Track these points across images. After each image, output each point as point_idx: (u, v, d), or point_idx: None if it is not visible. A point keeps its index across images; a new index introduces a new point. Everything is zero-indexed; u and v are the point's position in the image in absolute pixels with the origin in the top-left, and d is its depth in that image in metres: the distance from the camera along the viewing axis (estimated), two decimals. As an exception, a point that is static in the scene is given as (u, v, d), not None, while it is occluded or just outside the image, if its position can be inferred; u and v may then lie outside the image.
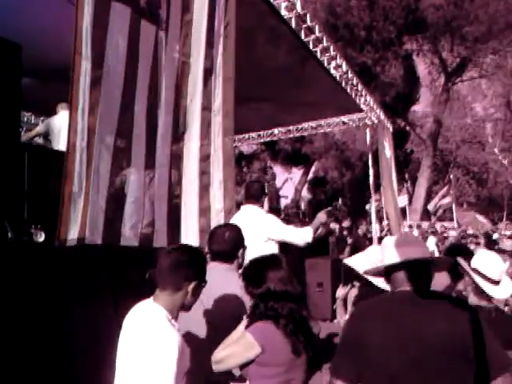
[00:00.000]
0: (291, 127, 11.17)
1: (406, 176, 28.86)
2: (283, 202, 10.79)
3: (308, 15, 5.94)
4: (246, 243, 2.77)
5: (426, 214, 22.45)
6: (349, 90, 8.10)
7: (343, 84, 7.76)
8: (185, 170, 3.68)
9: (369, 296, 2.92)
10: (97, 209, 3.01)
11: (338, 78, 7.47)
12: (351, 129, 14.06)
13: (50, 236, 3.34)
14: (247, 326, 2.08)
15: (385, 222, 11.10)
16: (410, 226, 17.89)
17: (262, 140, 12.24)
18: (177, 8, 3.65)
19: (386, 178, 10.06)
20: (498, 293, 2.49)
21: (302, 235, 4.06)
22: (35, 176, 3.60)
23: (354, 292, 3.53)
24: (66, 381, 3.11)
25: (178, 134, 3.67)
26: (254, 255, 2.70)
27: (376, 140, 10.72)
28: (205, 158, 3.75)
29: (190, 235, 3.63)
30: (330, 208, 4.31)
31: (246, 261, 2.73)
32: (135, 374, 1.83)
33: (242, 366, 2.07)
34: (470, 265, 2.62)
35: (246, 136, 11.55)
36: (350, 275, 3.20)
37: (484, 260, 2.59)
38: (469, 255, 2.83)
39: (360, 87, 8.44)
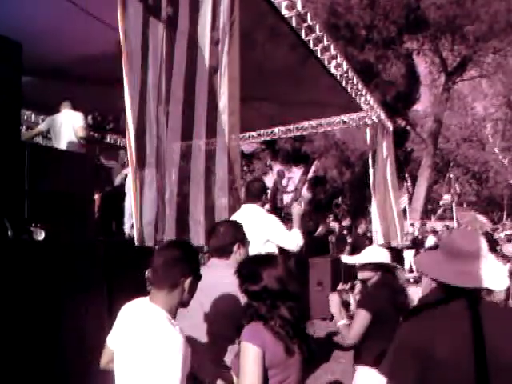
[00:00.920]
0: (291, 126, 11.18)
1: (406, 175, 28.85)
2: (285, 199, 10.80)
3: (308, 14, 5.94)
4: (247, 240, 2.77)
5: (425, 214, 22.45)
6: (349, 90, 8.10)
7: (343, 83, 7.76)
8: (192, 168, 3.70)
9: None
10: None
11: (338, 77, 7.47)
12: (351, 128, 14.04)
13: (50, 234, 3.35)
14: (240, 331, 2.00)
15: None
16: (412, 225, 17.92)
17: (262, 139, 12.25)
18: (185, 5, 3.67)
19: (379, 178, 10.09)
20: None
21: (295, 240, 4.02)
22: (35, 174, 3.60)
23: (356, 290, 3.54)
24: (62, 377, 3.12)
25: (186, 132, 3.70)
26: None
27: (376, 139, 10.73)
28: (211, 156, 3.76)
29: (196, 234, 3.64)
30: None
31: None
32: (140, 378, 1.81)
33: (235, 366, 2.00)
34: None
35: (247, 135, 11.54)
36: (350, 274, 3.23)
37: None
38: None
39: (360, 86, 8.44)
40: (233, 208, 3.78)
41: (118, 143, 10.77)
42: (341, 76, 7.56)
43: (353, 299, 3.39)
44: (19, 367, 2.84)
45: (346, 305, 3.25)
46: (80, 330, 3.24)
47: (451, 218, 21.43)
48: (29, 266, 3.02)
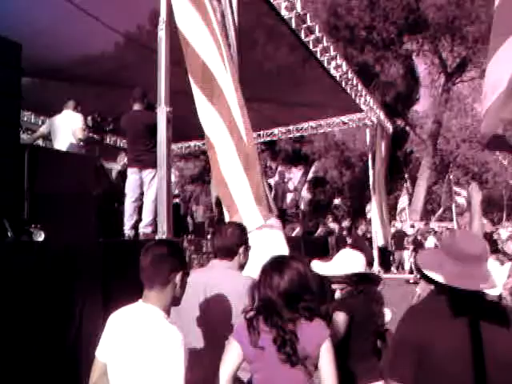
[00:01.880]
0: (291, 127, 11.19)
1: (406, 176, 28.85)
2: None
3: (308, 15, 5.94)
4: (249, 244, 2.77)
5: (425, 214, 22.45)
6: (349, 90, 8.10)
7: (343, 84, 7.77)
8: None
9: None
10: None
11: (337, 78, 7.47)
12: (351, 129, 14.06)
13: (50, 235, 3.35)
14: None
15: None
16: (412, 226, 17.90)
17: (262, 140, 12.25)
18: None
19: (378, 179, 10.11)
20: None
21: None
22: (35, 175, 3.60)
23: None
24: (60, 378, 3.12)
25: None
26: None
27: (376, 140, 10.75)
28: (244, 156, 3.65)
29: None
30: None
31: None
32: (144, 380, 1.81)
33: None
34: None
35: (246, 136, 11.52)
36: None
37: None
38: None
39: (360, 87, 8.45)
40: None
41: (118, 144, 10.77)
42: (340, 77, 7.56)
43: None
44: (18, 367, 2.84)
45: None
46: (78, 331, 3.24)
47: (451, 219, 21.41)
48: (28, 267, 3.02)
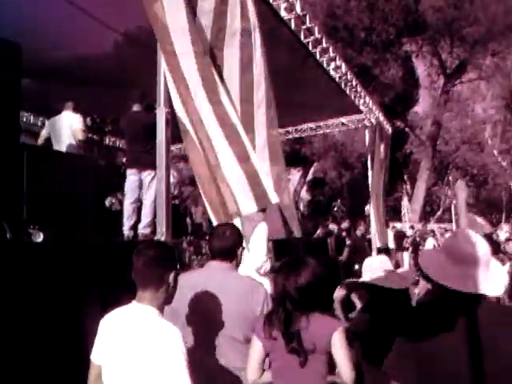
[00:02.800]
0: (290, 128, 11.18)
1: (405, 177, 28.86)
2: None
3: (307, 16, 5.94)
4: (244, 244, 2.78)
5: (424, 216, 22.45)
6: (348, 92, 8.10)
7: (342, 85, 7.76)
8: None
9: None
10: None
11: (337, 79, 7.47)
12: (350, 130, 14.06)
13: (48, 236, 3.35)
14: None
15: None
16: (411, 227, 17.92)
17: (261, 141, 12.21)
18: None
19: (376, 181, 10.11)
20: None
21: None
22: (34, 176, 3.60)
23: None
24: (58, 378, 3.12)
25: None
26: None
27: (375, 141, 10.75)
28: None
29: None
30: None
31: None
32: (146, 379, 1.82)
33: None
34: None
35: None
36: (348, 277, 3.16)
37: None
38: None
39: (359, 88, 8.44)
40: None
41: (117, 145, 10.77)
42: (340, 78, 7.55)
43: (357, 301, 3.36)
44: (18, 368, 2.83)
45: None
46: (77, 332, 3.23)
47: (450, 221, 21.43)
48: (27, 268, 3.02)
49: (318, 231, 10.95)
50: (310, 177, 28.02)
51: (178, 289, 2.09)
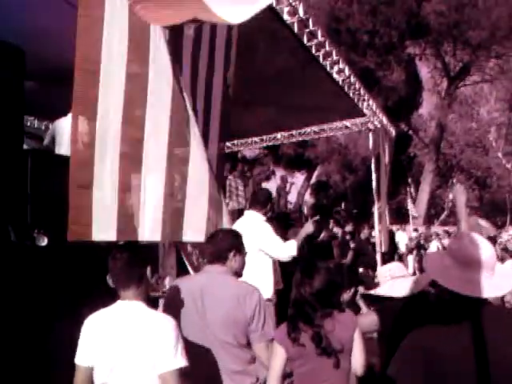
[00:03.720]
0: (294, 131, 11.16)
1: (409, 180, 28.81)
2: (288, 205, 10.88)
3: (310, 20, 5.94)
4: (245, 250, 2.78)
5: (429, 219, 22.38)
6: (351, 95, 8.09)
7: (346, 88, 7.75)
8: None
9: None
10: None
11: (340, 82, 7.46)
12: (354, 133, 14.06)
13: (53, 240, 3.35)
14: None
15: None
16: (415, 230, 17.88)
17: (264, 144, 12.23)
18: None
19: (380, 184, 10.11)
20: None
21: (287, 250, 4.03)
22: (38, 180, 3.60)
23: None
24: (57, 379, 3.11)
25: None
26: (248, 264, 2.75)
27: (379, 144, 10.74)
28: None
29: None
30: (317, 217, 4.27)
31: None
32: (147, 368, 1.85)
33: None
34: None
35: (249, 140, 11.54)
36: (352, 280, 3.19)
37: None
38: None
39: (363, 91, 8.43)
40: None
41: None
42: (343, 81, 7.54)
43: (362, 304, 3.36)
44: (19, 369, 2.83)
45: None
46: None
47: (454, 224, 21.34)
48: (32, 270, 3.02)
49: (322, 234, 10.90)
50: (313, 180, 28.02)
51: (175, 293, 2.18)
